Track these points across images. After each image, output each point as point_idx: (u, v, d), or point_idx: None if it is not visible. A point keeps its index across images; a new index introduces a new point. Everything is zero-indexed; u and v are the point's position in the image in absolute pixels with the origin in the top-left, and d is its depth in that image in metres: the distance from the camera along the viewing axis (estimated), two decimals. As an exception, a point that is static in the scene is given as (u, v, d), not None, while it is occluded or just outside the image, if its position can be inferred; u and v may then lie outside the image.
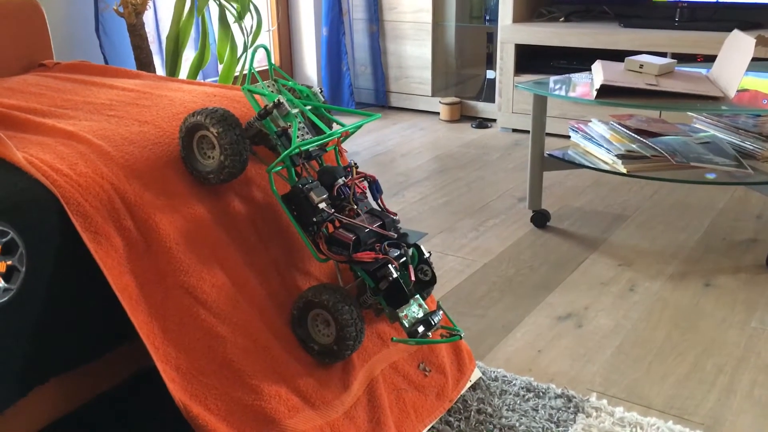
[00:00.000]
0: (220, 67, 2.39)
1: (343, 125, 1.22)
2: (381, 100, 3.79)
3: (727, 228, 2.13)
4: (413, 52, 3.60)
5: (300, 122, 1.21)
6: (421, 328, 1.13)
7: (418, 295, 1.19)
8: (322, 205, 1.12)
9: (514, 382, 1.36)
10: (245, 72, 2.43)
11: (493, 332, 1.59)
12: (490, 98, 3.47)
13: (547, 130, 2.19)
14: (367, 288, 1.15)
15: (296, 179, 1.16)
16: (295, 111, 1.19)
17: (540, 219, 2.17)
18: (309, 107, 1.24)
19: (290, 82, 1.29)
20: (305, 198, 1.11)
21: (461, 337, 1.19)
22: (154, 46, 2.64)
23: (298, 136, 1.18)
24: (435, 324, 1.16)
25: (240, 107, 1.33)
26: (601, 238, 2.08)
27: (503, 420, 1.26)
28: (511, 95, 3.25)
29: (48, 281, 0.99)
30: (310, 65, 3.76)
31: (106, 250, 1.01)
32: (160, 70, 2.58)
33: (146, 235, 1.06)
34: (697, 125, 2.22)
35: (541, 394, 1.34)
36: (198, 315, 1.05)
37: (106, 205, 1.03)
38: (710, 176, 1.90)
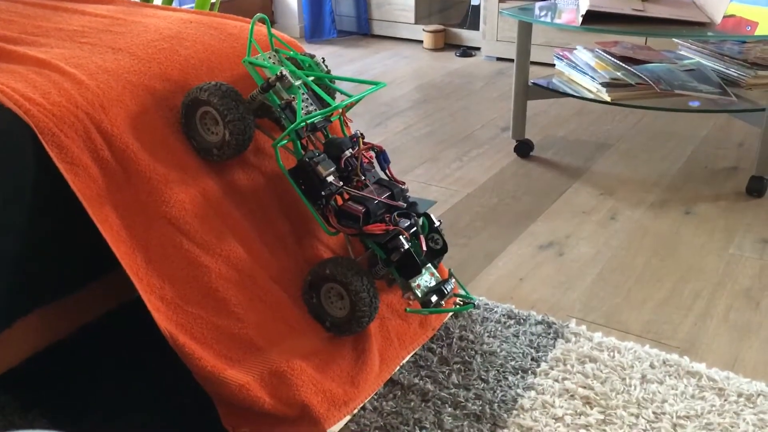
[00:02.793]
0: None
1: (348, 95, 1.20)
2: (363, 28, 3.71)
3: (709, 156, 2.14)
4: (396, -22, 3.50)
5: (303, 93, 1.18)
6: (434, 298, 1.13)
7: (429, 264, 1.19)
8: (330, 178, 1.11)
9: (495, 309, 1.39)
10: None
11: (475, 261, 1.61)
12: (475, 26, 3.40)
13: (532, 59, 2.15)
14: (378, 259, 1.14)
15: (302, 152, 1.14)
16: (298, 83, 1.16)
17: (523, 148, 2.17)
18: (311, 78, 1.20)
19: (291, 52, 1.25)
20: (313, 171, 1.09)
21: (474, 306, 1.19)
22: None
23: (302, 108, 1.15)
24: (448, 293, 1.16)
25: (217, 35, 1.29)
26: (584, 167, 2.08)
27: (484, 346, 1.28)
28: (495, 22, 3.19)
29: (26, 213, 0.97)
30: (290, -9, 3.66)
31: (84, 181, 0.99)
32: (134, -4, 2.49)
33: (125, 166, 1.04)
34: (682, 52, 2.20)
35: (521, 321, 1.36)
36: (181, 245, 1.04)
37: (81, 135, 1.01)
38: (694, 104, 1.89)
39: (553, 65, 2.25)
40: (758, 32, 1.72)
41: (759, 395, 1.16)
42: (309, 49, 3.49)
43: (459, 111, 2.59)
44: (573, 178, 2.01)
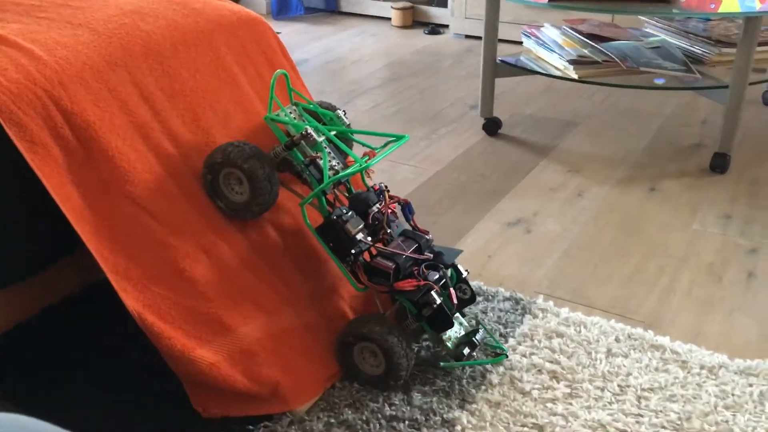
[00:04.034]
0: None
1: (370, 146, 1.19)
2: (331, 5, 3.67)
3: (673, 133, 2.17)
4: (363, -46, 3.46)
5: (326, 147, 1.17)
6: (466, 350, 1.14)
7: (458, 314, 1.19)
8: (360, 236, 1.09)
9: (464, 286, 1.39)
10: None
11: (444, 239, 1.61)
12: (443, 2, 3.38)
13: (500, 36, 2.15)
14: (408, 313, 1.13)
15: (328, 208, 1.13)
16: (321, 139, 1.14)
17: (492, 126, 2.17)
18: (333, 132, 1.19)
19: (311, 105, 1.24)
20: (342, 230, 1.08)
21: (507, 356, 1.20)
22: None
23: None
24: (479, 344, 1.17)
25: (180, 9, 1.26)
26: (552, 145, 2.10)
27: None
28: None
29: (-16, 193, 0.95)
30: (256, -33, 3.60)
31: (44, 159, 0.97)
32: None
33: (86, 144, 1.02)
34: (648, 29, 2.22)
35: (490, 297, 1.37)
36: (146, 225, 1.03)
37: (40, 113, 0.98)
38: (659, 81, 1.91)
39: (521, 43, 2.25)
40: (722, 9, 1.74)
41: (720, 367, 1.18)
42: (275, 26, 3.44)
43: (427, 89, 2.58)
44: (541, 156, 2.03)
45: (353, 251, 1.09)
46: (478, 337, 1.17)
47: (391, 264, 1.09)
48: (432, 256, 1.15)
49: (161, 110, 1.13)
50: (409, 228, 1.20)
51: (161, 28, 1.20)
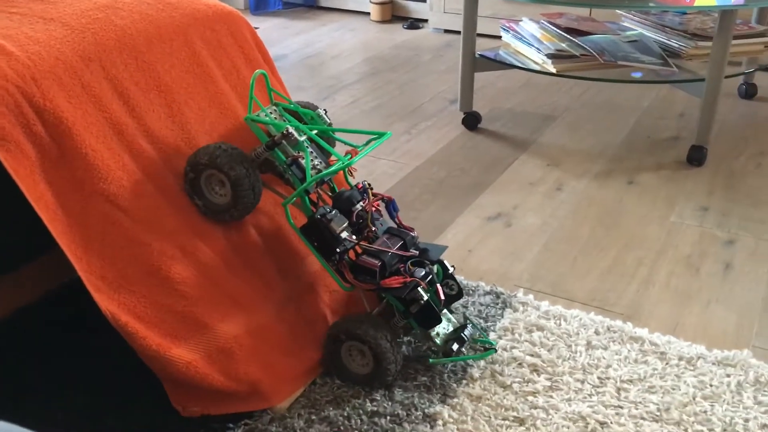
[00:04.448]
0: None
1: (352, 144, 1.18)
2: (310, 0, 3.65)
3: (651, 126, 2.18)
4: (342, -52, 3.44)
5: (307, 146, 1.16)
6: (455, 346, 1.13)
7: (445, 310, 1.18)
8: (344, 234, 1.08)
9: (445, 280, 1.39)
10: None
11: (425, 233, 1.61)
12: (422, -3, 3.38)
13: (479, 31, 2.15)
14: (395, 311, 1.12)
15: (311, 208, 1.12)
16: (303, 138, 1.13)
17: (471, 121, 2.17)
18: (315, 131, 1.18)
19: (292, 105, 1.23)
20: (326, 229, 1.07)
21: (496, 351, 1.19)
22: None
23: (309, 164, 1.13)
24: (468, 339, 1.16)
25: (155, 3, 1.24)
26: (531, 139, 2.10)
27: (434, 317, 1.29)
28: (442, -6, 3.18)
29: (-46, 192, 0.93)
30: (233, -38, 3.56)
31: (17, 157, 0.95)
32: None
33: (59, 142, 1.00)
34: (625, 23, 2.23)
35: (470, 291, 1.37)
36: (120, 223, 1.01)
37: (12, 109, 0.96)
38: (637, 75, 1.92)
39: (500, 37, 2.25)
40: (698, 3, 1.75)
41: (699, 358, 1.19)
42: (254, 21, 3.42)
43: (407, 84, 2.58)
44: (520, 150, 2.03)
45: (338, 250, 1.08)
46: (466, 332, 1.16)
47: (376, 262, 1.08)
48: (418, 252, 1.15)
49: (136, 106, 1.11)
50: (394, 225, 1.20)
51: (136, 23, 1.18)
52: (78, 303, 1.23)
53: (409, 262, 1.12)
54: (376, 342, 1.08)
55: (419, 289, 1.09)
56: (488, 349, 1.21)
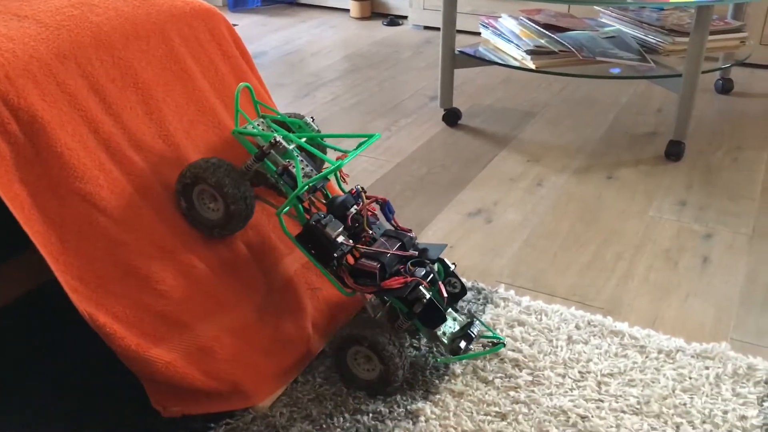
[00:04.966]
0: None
1: (341, 150, 1.17)
2: (288, -3, 3.63)
3: (629, 122, 2.20)
4: (320, -55, 3.43)
5: (298, 155, 1.15)
6: (462, 344, 1.11)
7: (450, 309, 1.17)
8: (341, 239, 1.07)
9: (426, 277, 1.39)
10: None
11: (405, 230, 1.61)
12: (401, -6, 3.38)
13: (458, 27, 2.15)
14: (399, 312, 1.11)
15: (306, 216, 1.10)
16: (291, 147, 1.12)
17: (451, 117, 2.18)
18: (304, 139, 1.17)
19: (279, 116, 1.22)
20: (322, 234, 1.06)
21: (504, 345, 1.19)
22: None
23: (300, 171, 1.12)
24: (475, 336, 1.14)
25: (131, 0, 1.23)
26: (511, 135, 2.11)
27: (416, 314, 1.29)
28: (422, -9, 3.18)
29: (-73, 192, 0.91)
30: (211, -42, 3.54)
31: (-10, 156, 0.94)
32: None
33: (34, 140, 0.98)
34: (603, 19, 2.24)
35: (452, 287, 1.37)
36: (98, 222, 1.00)
37: (-15, 108, 0.95)
38: (615, 71, 1.94)
39: (479, 34, 2.26)
40: None
41: (678, 351, 1.20)
42: (232, 18, 3.40)
43: (387, 80, 2.58)
44: (500, 146, 2.04)
45: (335, 255, 1.07)
46: (473, 329, 1.14)
47: (375, 264, 1.06)
48: (417, 253, 1.14)
49: (113, 103, 1.10)
50: (391, 228, 1.19)
51: (111, 20, 1.17)
52: (58, 304, 1.22)
53: (409, 263, 1.11)
54: (382, 346, 1.06)
55: (421, 287, 1.07)
56: (497, 344, 1.21)
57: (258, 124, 1.19)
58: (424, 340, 1.21)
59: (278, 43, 3.02)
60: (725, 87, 2.40)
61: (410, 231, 1.17)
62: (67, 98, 1.04)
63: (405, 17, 3.35)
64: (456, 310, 1.19)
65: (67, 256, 0.97)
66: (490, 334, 1.22)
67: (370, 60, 2.81)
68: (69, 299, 0.96)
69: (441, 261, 1.18)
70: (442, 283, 1.12)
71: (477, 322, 1.17)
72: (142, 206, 1.06)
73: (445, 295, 1.10)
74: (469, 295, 1.35)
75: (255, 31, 3.20)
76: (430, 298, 1.07)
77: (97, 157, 1.04)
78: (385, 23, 3.31)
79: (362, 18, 3.41)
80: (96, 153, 1.04)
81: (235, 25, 3.17)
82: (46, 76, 1.03)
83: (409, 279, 1.07)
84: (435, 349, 1.21)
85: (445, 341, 1.13)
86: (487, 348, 1.20)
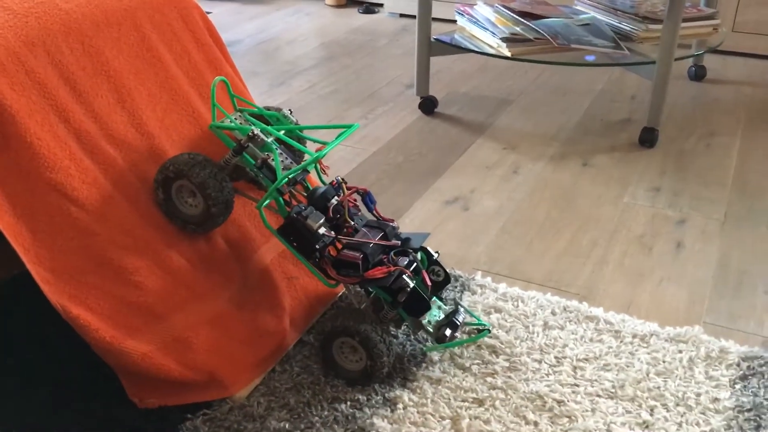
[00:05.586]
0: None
1: (321, 142, 1.16)
2: (263, -16, 3.59)
3: (604, 109, 2.22)
4: (295, -69, 3.40)
5: (277, 148, 1.13)
6: (447, 331, 1.11)
7: (435, 297, 1.16)
8: (322, 230, 1.06)
9: (403, 265, 1.40)
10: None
11: (382, 218, 1.61)
12: (377, -19, 3.36)
13: (434, 15, 2.15)
14: (383, 303, 1.10)
15: (287, 208, 1.09)
16: (270, 139, 1.11)
17: (428, 105, 2.17)
18: (282, 131, 1.15)
19: (256, 109, 1.20)
20: (303, 226, 1.05)
21: (490, 332, 1.18)
22: None
23: (279, 164, 1.11)
24: (460, 324, 1.14)
25: (101, -13, 1.21)
26: (487, 123, 2.11)
27: (393, 302, 1.29)
28: (397, -22, 3.16)
29: None
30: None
31: (-43, 147, 0.92)
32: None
33: (2, 130, 0.96)
34: (578, 7, 2.25)
35: (429, 275, 1.38)
36: (69, 213, 0.99)
37: (-48, 97, 0.93)
38: (589, 58, 1.95)
39: (455, 21, 2.25)
40: (648, -13, 1.77)
41: (652, 335, 1.22)
42: (206, 6, 3.36)
43: (363, 69, 2.57)
44: (477, 134, 2.04)
45: (318, 246, 1.07)
46: (458, 317, 1.15)
47: (358, 254, 1.06)
48: (400, 243, 1.14)
49: (83, 92, 1.08)
50: (373, 218, 1.19)
51: (82, 6, 1.14)
52: (31, 295, 1.20)
53: (392, 253, 1.11)
54: (374, 344, 1.06)
55: (404, 276, 1.07)
56: (482, 330, 1.21)
57: (235, 118, 1.18)
58: (402, 328, 1.22)
59: (253, 32, 2.99)
60: (698, 74, 2.43)
61: (392, 221, 1.16)
62: (36, 87, 1.02)
63: (381, 5, 3.34)
64: (440, 299, 1.19)
65: (39, 247, 0.96)
66: (475, 321, 1.22)
67: (346, 48, 2.79)
68: (41, 291, 0.95)
69: (424, 250, 1.18)
70: (426, 271, 1.12)
71: (462, 309, 1.17)
72: (114, 197, 1.05)
73: (429, 283, 1.11)
74: (446, 282, 1.35)
75: (229, 19, 3.17)
76: (413, 286, 1.07)
77: (67, 146, 1.02)
78: (360, 11, 3.29)
79: (338, 6, 3.39)
80: (67, 143, 1.02)
81: (209, 12, 3.14)
82: (15, 64, 1.01)
83: (392, 268, 1.07)
84: (420, 337, 1.21)
85: (431, 330, 1.13)
86: (473, 335, 1.21)
